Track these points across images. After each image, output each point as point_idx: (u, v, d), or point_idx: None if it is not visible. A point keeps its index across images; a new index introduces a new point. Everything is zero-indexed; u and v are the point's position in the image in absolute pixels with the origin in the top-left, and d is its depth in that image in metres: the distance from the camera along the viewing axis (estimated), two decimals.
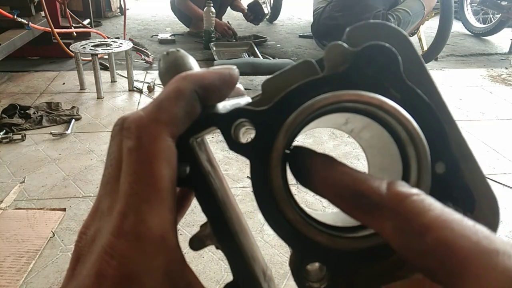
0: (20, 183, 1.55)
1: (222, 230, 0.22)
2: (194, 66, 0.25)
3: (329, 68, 0.21)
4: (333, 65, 0.20)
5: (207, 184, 0.22)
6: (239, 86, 0.26)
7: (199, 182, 0.22)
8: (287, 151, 0.21)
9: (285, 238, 0.21)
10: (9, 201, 1.44)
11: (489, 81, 2.92)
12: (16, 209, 1.40)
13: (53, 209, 1.40)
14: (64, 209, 1.41)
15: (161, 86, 2.17)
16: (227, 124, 0.21)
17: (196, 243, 0.23)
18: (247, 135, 0.22)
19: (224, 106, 0.22)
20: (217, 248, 0.23)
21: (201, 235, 0.23)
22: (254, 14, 3.90)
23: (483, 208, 0.21)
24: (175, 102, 0.21)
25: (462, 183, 0.20)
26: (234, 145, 0.21)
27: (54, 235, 1.29)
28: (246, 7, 3.93)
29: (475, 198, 0.20)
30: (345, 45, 0.21)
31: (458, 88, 2.77)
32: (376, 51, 0.20)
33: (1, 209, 1.39)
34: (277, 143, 0.20)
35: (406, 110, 0.20)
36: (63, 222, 1.35)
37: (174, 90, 0.21)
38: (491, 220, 0.21)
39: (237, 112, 0.21)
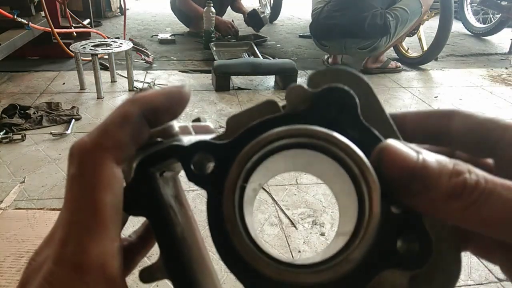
0: (20, 183, 1.55)
1: (174, 265, 0.22)
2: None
3: (290, 107, 0.21)
4: (293, 105, 0.21)
5: (163, 215, 0.22)
6: (209, 124, 0.26)
7: (155, 213, 0.22)
8: (245, 184, 0.21)
9: (234, 270, 0.20)
10: (9, 201, 1.44)
11: (489, 81, 2.92)
12: (16, 209, 1.40)
13: (53, 209, 1.40)
14: None
15: (162, 86, 2.17)
16: (187, 156, 0.21)
17: (146, 275, 0.23)
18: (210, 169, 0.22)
19: (189, 140, 0.22)
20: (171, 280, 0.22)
21: (152, 267, 0.23)
22: (252, 22, 3.90)
23: (441, 265, 0.21)
24: (120, 127, 0.21)
25: (420, 227, 0.20)
26: (192, 176, 0.21)
27: None
28: (247, 14, 3.92)
29: (431, 247, 0.20)
30: (305, 86, 0.21)
31: (458, 88, 2.77)
32: (335, 93, 0.21)
33: (1, 209, 1.39)
34: (231, 173, 0.20)
35: (363, 150, 0.20)
36: None
37: (120, 114, 0.21)
38: (447, 279, 0.21)
39: (197, 145, 0.21)
